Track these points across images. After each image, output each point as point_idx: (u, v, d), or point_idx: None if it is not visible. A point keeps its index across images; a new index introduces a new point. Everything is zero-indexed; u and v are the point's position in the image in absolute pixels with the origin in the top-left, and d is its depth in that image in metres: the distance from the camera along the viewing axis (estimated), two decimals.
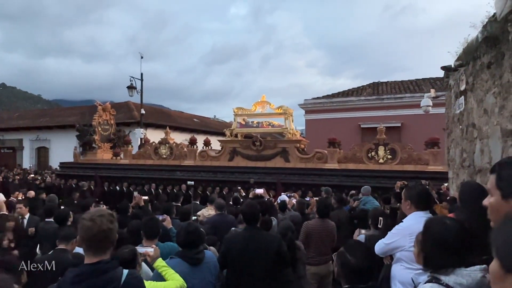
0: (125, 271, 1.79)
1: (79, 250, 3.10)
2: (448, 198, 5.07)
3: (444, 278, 1.46)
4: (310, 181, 10.78)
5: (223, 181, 11.66)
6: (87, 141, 15.53)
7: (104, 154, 15.46)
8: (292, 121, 12.63)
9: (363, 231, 3.84)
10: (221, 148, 13.00)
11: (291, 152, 11.85)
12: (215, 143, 14.40)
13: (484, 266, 1.44)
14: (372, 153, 10.83)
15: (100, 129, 15.66)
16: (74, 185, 12.73)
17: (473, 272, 1.44)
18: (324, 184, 9.67)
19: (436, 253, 1.54)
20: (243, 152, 12.42)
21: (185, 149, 13.41)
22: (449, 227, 1.58)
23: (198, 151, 13.27)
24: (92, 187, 12.87)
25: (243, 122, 12.93)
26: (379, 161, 10.70)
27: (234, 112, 13.00)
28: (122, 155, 14.85)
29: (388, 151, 10.64)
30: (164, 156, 13.62)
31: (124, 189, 12.11)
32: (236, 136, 12.86)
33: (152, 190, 11.76)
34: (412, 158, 10.43)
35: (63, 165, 16.15)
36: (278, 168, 11.61)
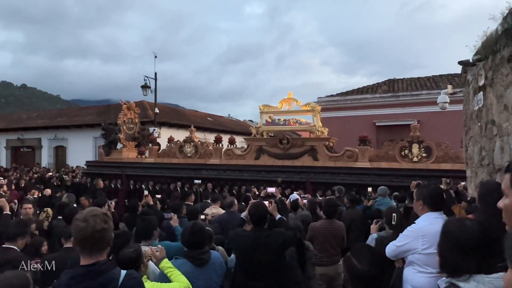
0: (123, 272, 1.74)
1: None
2: (468, 199, 4.89)
3: (464, 285, 1.35)
4: (340, 180, 10.26)
5: (250, 180, 11.35)
6: (112, 139, 15.51)
7: (129, 153, 15.41)
8: (320, 118, 12.34)
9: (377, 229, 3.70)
10: (247, 147, 12.79)
11: (319, 150, 11.50)
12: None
13: None
14: (406, 151, 10.35)
15: (125, 127, 15.56)
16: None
17: (496, 280, 1.32)
18: (355, 183, 9.36)
19: (453, 255, 1.45)
20: (270, 150, 12.15)
21: (211, 148, 13.29)
22: (469, 228, 1.50)
23: (224, 149, 13.09)
24: (118, 185, 12.95)
25: (269, 120, 12.67)
26: (413, 160, 10.23)
27: (260, 109, 12.75)
28: (147, 154, 14.79)
29: (422, 149, 10.15)
30: (189, 155, 13.50)
31: (150, 188, 12.11)
32: (262, 134, 12.64)
33: (178, 188, 11.57)
34: (449, 157, 9.86)
35: (89, 163, 16.27)
36: (306, 167, 11.27)
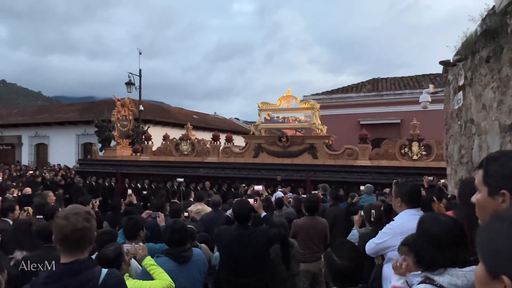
0: (104, 271, 1.72)
1: None
2: (448, 196, 5.01)
3: (438, 279, 1.40)
4: (340, 178, 10.35)
5: (248, 178, 11.23)
6: (106, 137, 15.14)
7: (123, 151, 15.07)
8: (319, 116, 12.25)
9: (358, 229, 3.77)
10: (246, 144, 12.62)
11: (319, 148, 11.43)
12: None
13: None
14: (406, 149, 10.39)
15: (119, 125, 15.15)
16: (94, 183, 12.65)
17: (469, 273, 1.38)
18: (356, 181, 9.36)
19: (428, 249, 1.49)
20: (269, 148, 12.02)
21: (208, 145, 13.11)
22: (443, 223, 1.54)
23: (222, 147, 12.92)
24: (112, 183, 12.75)
25: (268, 118, 12.48)
26: (413, 158, 10.28)
27: (258, 107, 12.56)
28: (142, 151, 14.48)
29: (422, 147, 10.21)
30: (186, 153, 13.28)
31: (146, 186, 11.94)
32: (259, 132, 12.48)
33: (175, 186, 11.28)
34: None
35: (82, 161, 15.88)
36: (306, 165, 11.24)
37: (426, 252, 1.50)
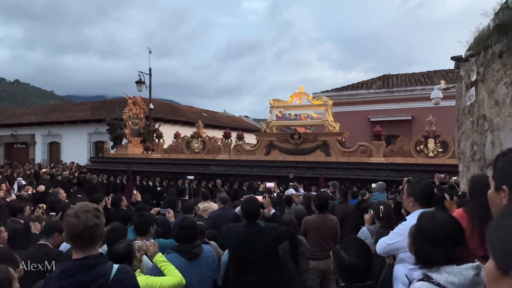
0: (115, 266, 1.75)
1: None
2: (459, 193, 4.95)
3: (435, 277, 1.42)
4: (354, 176, 10.26)
5: (260, 176, 11.17)
6: (117, 135, 15.29)
7: (135, 149, 15.25)
8: (332, 113, 12.16)
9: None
10: (257, 142, 12.61)
11: (332, 145, 11.33)
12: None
13: (477, 264, 1.39)
14: (421, 146, 10.22)
15: (130, 123, 15.33)
16: (105, 181, 12.86)
17: (465, 270, 1.39)
18: (370, 179, 9.28)
19: (423, 246, 1.51)
20: (281, 145, 11.95)
21: (219, 143, 13.18)
22: (437, 220, 1.56)
23: (233, 145, 12.95)
24: (124, 181, 12.94)
25: (280, 115, 12.46)
26: (429, 155, 10.08)
27: (270, 104, 12.55)
28: (153, 149, 14.62)
29: (439, 144, 10.01)
30: (197, 150, 13.37)
31: (157, 184, 12.07)
32: (271, 129, 12.50)
33: (186, 184, 11.38)
34: None
35: (93, 159, 16.10)
36: (318, 162, 11.12)
37: (421, 248, 1.52)
